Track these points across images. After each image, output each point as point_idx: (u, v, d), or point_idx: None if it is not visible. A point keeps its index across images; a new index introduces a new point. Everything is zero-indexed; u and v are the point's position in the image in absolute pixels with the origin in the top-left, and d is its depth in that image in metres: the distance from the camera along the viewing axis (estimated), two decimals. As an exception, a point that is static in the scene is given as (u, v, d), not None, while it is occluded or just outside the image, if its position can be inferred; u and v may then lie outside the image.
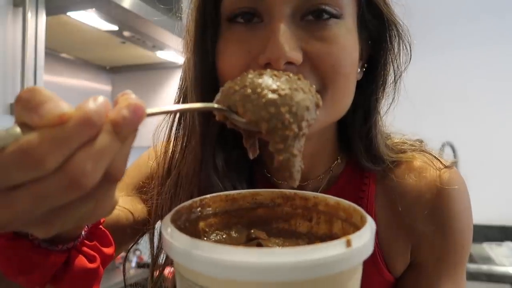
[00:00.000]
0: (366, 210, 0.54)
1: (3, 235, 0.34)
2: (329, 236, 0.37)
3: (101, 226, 0.41)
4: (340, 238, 0.26)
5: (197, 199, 0.37)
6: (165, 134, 0.56)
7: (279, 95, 0.32)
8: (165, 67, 1.93)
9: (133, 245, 0.61)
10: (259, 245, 0.36)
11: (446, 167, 0.53)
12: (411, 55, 0.52)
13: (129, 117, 0.25)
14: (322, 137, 0.54)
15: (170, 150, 0.56)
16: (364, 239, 0.27)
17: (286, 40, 0.41)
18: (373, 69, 0.52)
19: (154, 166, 0.59)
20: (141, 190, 0.61)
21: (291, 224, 0.40)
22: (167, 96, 1.94)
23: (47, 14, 1.16)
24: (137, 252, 2.03)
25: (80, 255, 0.37)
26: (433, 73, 2.33)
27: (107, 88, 2.03)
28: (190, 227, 0.36)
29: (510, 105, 2.26)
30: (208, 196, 0.38)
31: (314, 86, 0.36)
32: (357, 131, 0.54)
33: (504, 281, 1.63)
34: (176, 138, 0.56)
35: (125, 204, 0.58)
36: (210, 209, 0.38)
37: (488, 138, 2.25)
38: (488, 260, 1.89)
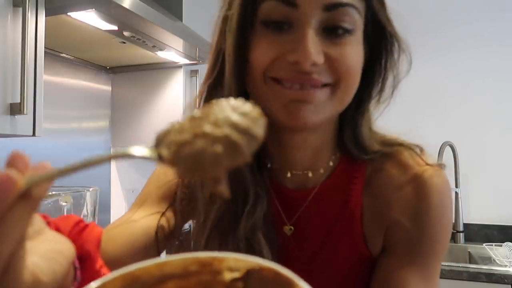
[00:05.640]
0: (355, 201, 0.60)
1: None
2: None
3: (102, 270, 0.40)
4: None
5: None
6: None
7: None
8: (165, 67, 1.92)
9: None
10: None
11: (428, 164, 0.59)
12: (410, 66, 0.60)
13: None
14: (326, 130, 0.61)
15: None
16: None
17: (313, 45, 0.50)
18: (370, 73, 0.60)
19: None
20: (165, 200, 0.65)
21: None
22: (167, 96, 1.94)
23: (47, 14, 1.15)
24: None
25: None
26: (433, 73, 2.33)
27: (107, 88, 2.03)
28: None
29: (510, 106, 2.26)
30: (100, 282, 0.28)
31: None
32: (347, 119, 0.61)
33: (504, 281, 1.63)
34: None
35: (145, 225, 0.61)
36: None
37: (488, 138, 2.25)
38: (488, 260, 1.89)
